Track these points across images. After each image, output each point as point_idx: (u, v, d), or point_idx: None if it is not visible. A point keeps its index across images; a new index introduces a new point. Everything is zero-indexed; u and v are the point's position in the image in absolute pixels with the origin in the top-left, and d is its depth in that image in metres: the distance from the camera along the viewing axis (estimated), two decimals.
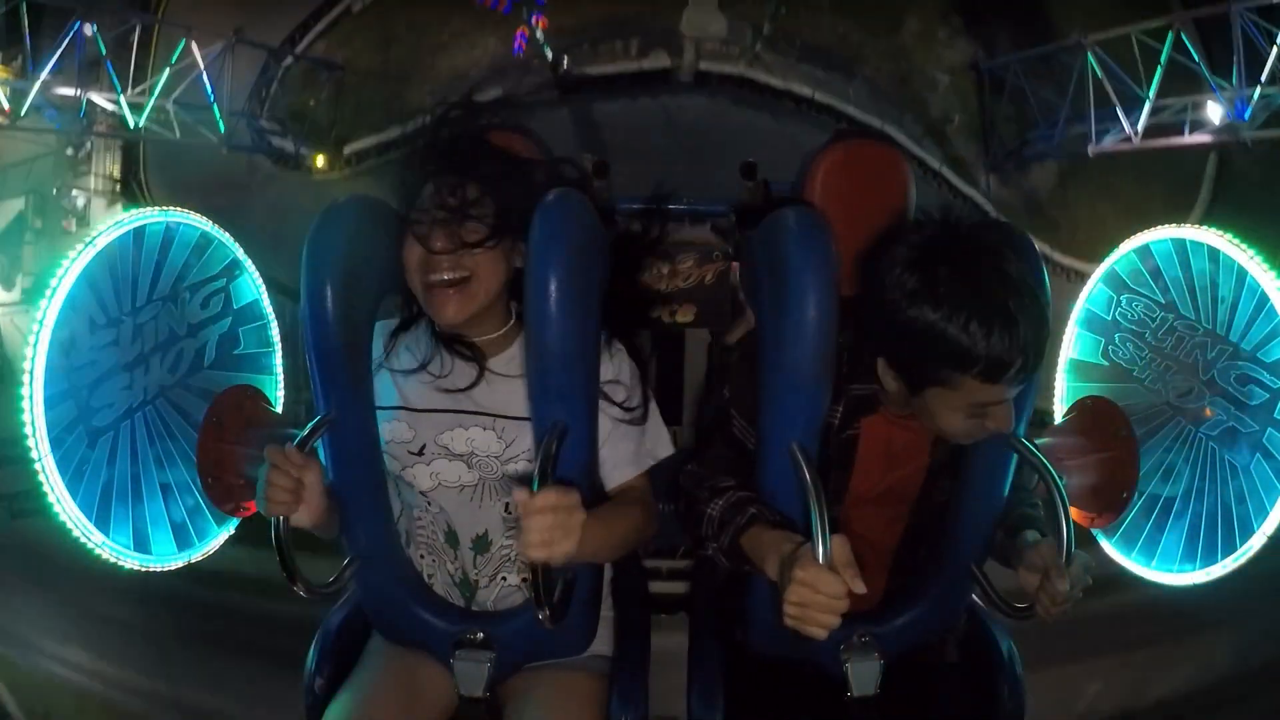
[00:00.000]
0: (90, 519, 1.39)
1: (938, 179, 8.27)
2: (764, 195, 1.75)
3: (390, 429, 1.37)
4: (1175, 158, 7.79)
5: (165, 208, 1.53)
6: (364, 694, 1.39)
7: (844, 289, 1.24)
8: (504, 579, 1.43)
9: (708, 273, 1.80)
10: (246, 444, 1.51)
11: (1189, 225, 1.55)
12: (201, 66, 7.37)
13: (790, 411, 1.25)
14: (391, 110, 8.28)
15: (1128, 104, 6.97)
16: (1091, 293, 1.71)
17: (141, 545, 1.47)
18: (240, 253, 1.68)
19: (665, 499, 1.47)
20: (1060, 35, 7.97)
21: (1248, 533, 1.44)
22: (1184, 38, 6.62)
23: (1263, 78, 6.07)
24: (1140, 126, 6.92)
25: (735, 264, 1.79)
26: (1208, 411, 1.50)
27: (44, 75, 6.52)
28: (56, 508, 1.36)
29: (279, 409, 1.69)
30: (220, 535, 1.60)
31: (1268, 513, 1.42)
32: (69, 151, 8.08)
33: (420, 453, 1.37)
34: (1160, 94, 6.80)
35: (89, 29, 6.65)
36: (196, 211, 1.59)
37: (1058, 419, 1.69)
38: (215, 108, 7.55)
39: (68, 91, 6.84)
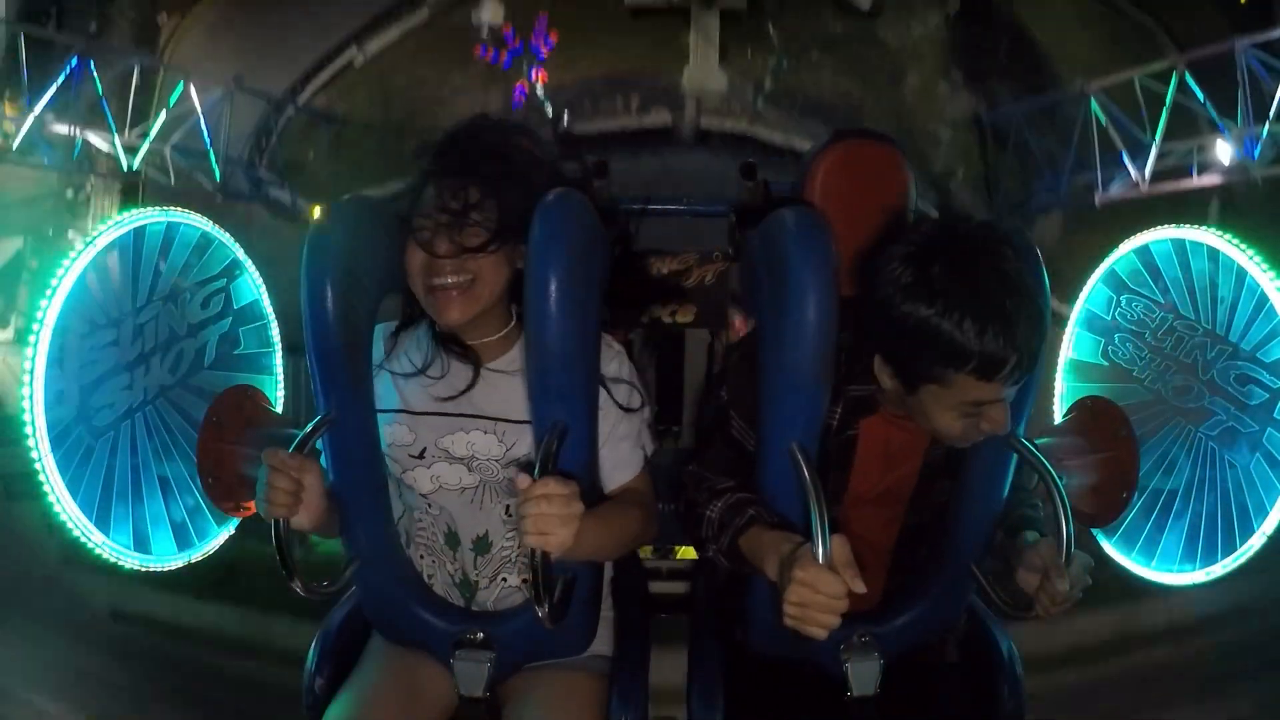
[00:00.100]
0: (90, 519, 1.39)
1: None
2: (764, 195, 1.75)
3: (391, 432, 1.37)
4: (1179, 202, 7.72)
5: (166, 207, 1.53)
6: (364, 694, 1.39)
7: (843, 290, 1.24)
8: (504, 580, 1.43)
9: (708, 273, 1.80)
10: (246, 444, 1.51)
11: (1188, 226, 1.56)
12: (199, 112, 7.31)
13: (790, 412, 1.24)
14: (391, 165, 8.20)
15: (1133, 150, 6.91)
16: (1091, 293, 1.72)
17: (141, 545, 1.47)
18: (240, 253, 1.68)
19: (665, 499, 1.47)
20: (1061, 86, 7.95)
21: (1248, 533, 1.44)
22: (1188, 79, 6.56)
23: (1271, 113, 5.99)
24: (1148, 172, 6.84)
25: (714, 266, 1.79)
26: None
27: (37, 109, 6.42)
28: (57, 507, 1.36)
29: (279, 409, 1.69)
30: (220, 535, 1.60)
31: (1268, 512, 1.42)
32: (68, 193, 7.99)
33: (420, 456, 1.37)
34: (1163, 138, 6.76)
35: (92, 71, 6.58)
36: None
37: (1058, 419, 1.69)
38: (211, 154, 7.49)
39: (63, 129, 6.76)
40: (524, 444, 1.35)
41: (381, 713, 1.35)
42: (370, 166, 8.38)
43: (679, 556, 1.99)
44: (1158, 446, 1.57)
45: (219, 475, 1.51)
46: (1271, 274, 1.40)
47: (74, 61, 6.52)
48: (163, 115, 7.21)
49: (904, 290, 1.16)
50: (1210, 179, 6.73)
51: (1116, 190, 7.25)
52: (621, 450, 1.36)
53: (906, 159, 1.53)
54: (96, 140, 7.02)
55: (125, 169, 7.12)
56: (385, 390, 1.38)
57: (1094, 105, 7.15)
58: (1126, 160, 6.97)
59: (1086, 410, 1.62)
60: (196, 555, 1.57)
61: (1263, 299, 1.42)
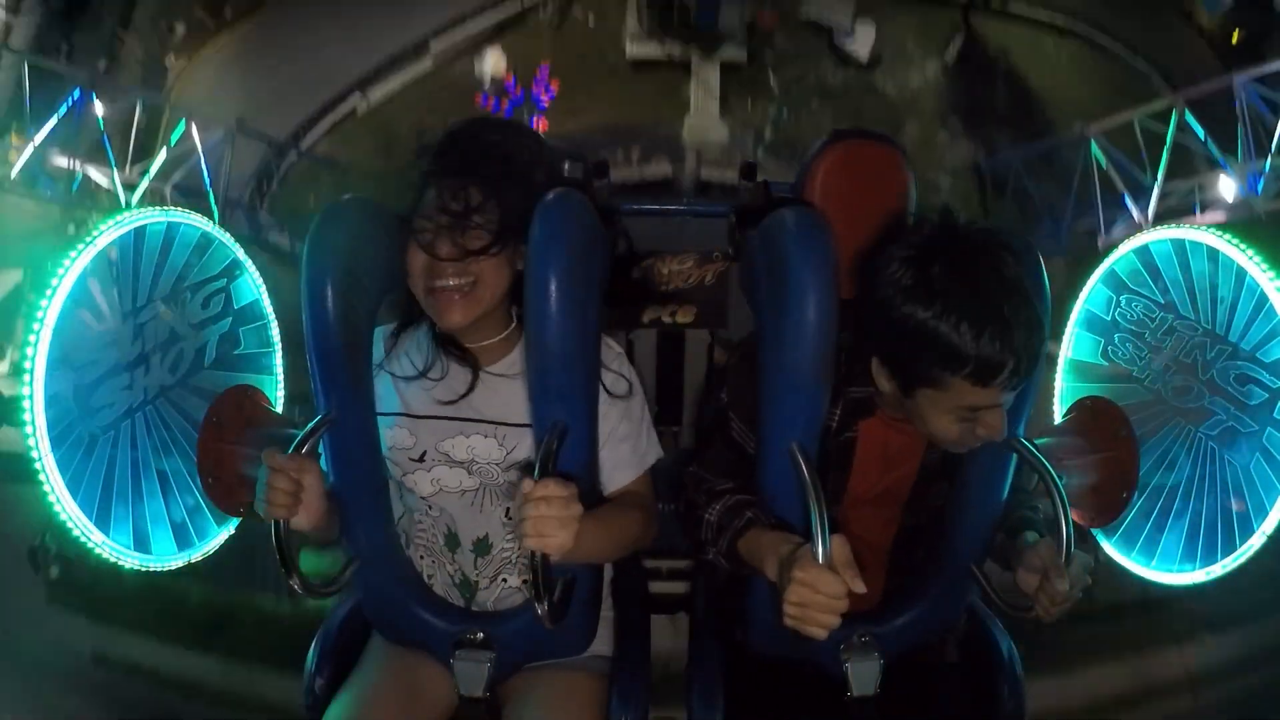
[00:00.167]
0: (90, 518, 1.39)
1: None
2: (764, 195, 1.75)
3: (391, 435, 1.37)
4: None
5: (166, 207, 1.53)
6: (364, 694, 1.39)
7: (843, 291, 1.23)
8: (504, 580, 1.43)
9: (708, 273, 1.80)
10: (246, 444, 1.51)
11: (1188, 226, 1.55)
12: (200, 151, 7.26)
13: (790, 412, 1.24)
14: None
15: (1134, 191, 6.87)
16: (1090, 293, 1.72)
17: (142, 545, 1.47)
18: (241, 253, 1.68)
19: (665, 499, 1.47)
20: (1058, 132, 7.94)
21: (1248, 532, 1.44)
22: (1188, 117, 6.50)
23: (1272, 147, 5.92)
24: (1150, 212, 6.77)
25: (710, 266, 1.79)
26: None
27: (36, 140, 6.34)
28: (56, 507, 1.36)
29: (279, 409, 1.69)
30: (220, 535, 1.60)
31: (1267, 512, 1.42)
32: (69, 228, 7.99)
33: (421, 459, 1.37)
34: (1165, 178, 6.70)
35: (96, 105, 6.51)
36: None
37: (1058, 419, 1.69)
38: (211, 195, 7.40)
39: (64, 163, 6.67)
40: (524, 447, 1.35)
41: (381, 713, 1.35)
42: None
43: (679, 556, 1.99)
44: (1158, 446, 1.57)
45: (219, 475, 1.51)
46: (1271, 274, 1.40)
47: (76, 94, 6.43)
48: (163, 153, 7.14)
49: (903, 291, 1.16)
50: (1214, 216, 6.62)
51: (1119, 233, 7.13)
52: (621, 452, 1.36)
53: (906, 159, 1.53)
54: (97, 175, 6.98)
55: (124, 205, 7.05)
56: (386, 392, 1.38)
57: (1094, 148, 7.08)
58: (1129, 202, 6.91)
59: (1086, 410, 1.62)
60: (196, 555, 1.57)
61: (1262, 299, 1.41)
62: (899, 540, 1.47)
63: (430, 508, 1.41)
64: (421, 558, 1.45)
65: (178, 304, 1.55)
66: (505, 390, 1.36)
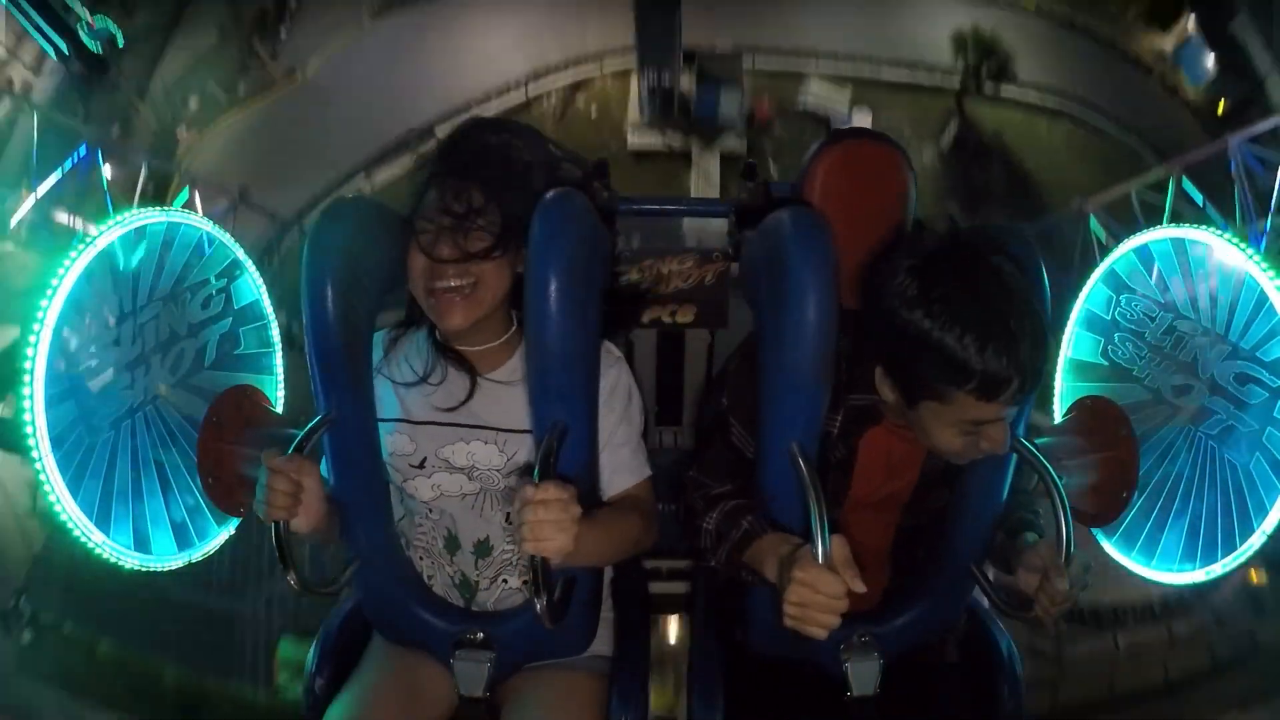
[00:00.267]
0: (91, 518, 1.39)
1: None
2: (764, 195, 1.74)
3: (391, 441, 1.37)
4: None
5: (166, 207, 1.53)
6: (364, 694, 1.39)
7: (844, 300, 1.23)
8: (505, 581, 1.43)
9: (708, 273, 1.80)
10: (246, 444, 1.51)
11: (1187, 226, 1.55)
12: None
13: (790, 412, 1.24)
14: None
15: None
16: (1091, 292, 1.71)
17: (142, 545, 1.47)
18: (240, 253, 1.68)
19: (666, 499, 1.47)
20: (1054, 210, 7.94)
21: (1247, 532, 1.44)
22: (1185, 184, 6.52)
23: (1272, 206, 5.96)
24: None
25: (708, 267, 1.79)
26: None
27: (40, 192, 6.29)
28: (57, 507, 1.36)
29: (279, 409, 1.69)
30: (220, 535, 1.60)
31: (1267, 512, 1.42)
32: None
33: (421, 465, 1.37)
34: None
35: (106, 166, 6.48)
36: None
37: (1058, 419, 1.69)
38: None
39: (65, 219, 6.66)
40: (524, 453, 1.35)
41: (381, 713, 1.35)
42: None
43: (679, 556, 1.99)
44: (1157, 446, 1.56)
45: (219, 475, 1.51)
46: (1271, 273, 1.40)
47: (82, 150, 6.39)
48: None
49: (909, 303, 1.15)
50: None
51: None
52: (621, 456, 1.36)
53: (906, 159, 1.53)
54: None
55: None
56: (386, 397, 1.37)
57: (1093, 222, 7.09)
58: None
59: (1086, 410, 1.62)
60: (196, 555, 1.57)
61: (1262, 298, 1.41)
62: (899, 541, 1.47)
63: (431, 511, 1.41)
64: (421, 559, 1.45)
65: (178, 304, 1.54)
66: (506, 397, 1.35)
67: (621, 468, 1.36)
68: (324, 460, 1.32)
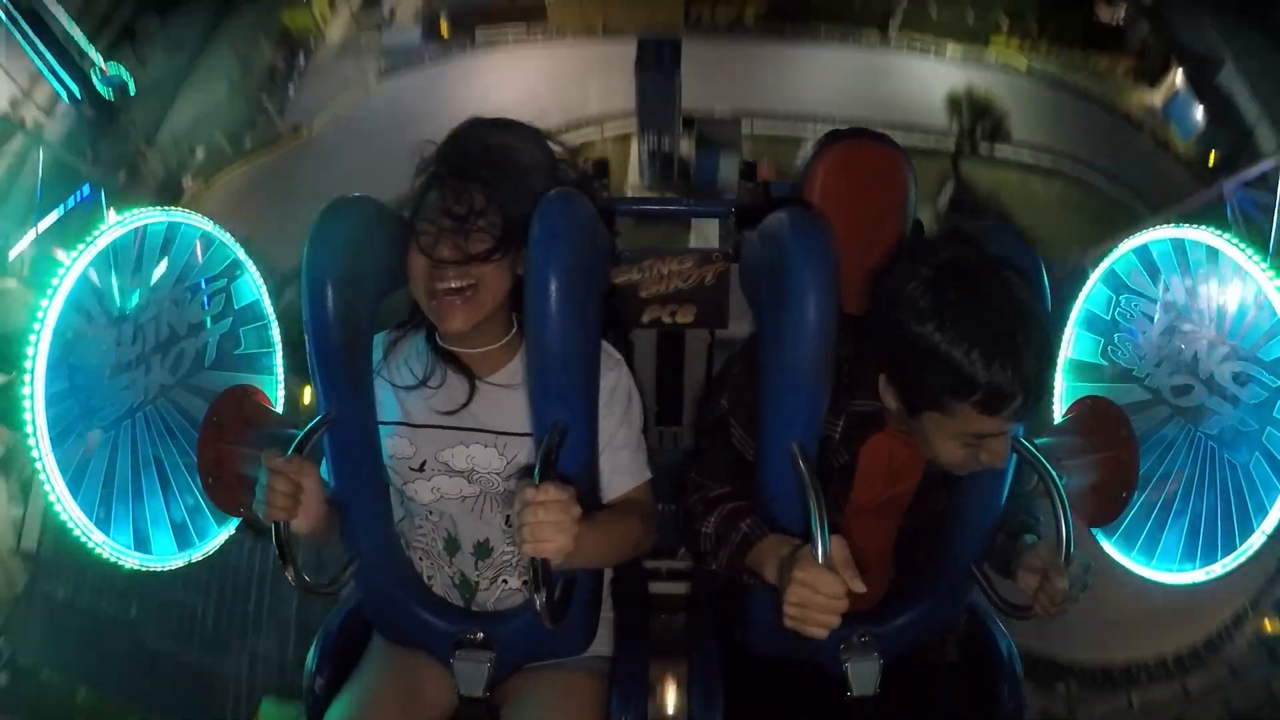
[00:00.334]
0: (91, 518, 1.39)
1: None
2: (764, 195, 1.74)
3: (391, 444, 1.37)
4: None
5: (166, 207, 1.53)
6: (364, 694, 1.39)
7: (846, 306, 1.23)
8: (505, 581, 1.43)
9: (708, 273, 1.80)
10: (246, 444, 1.51)
11: (1187, 226, 1.55)
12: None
13: (790, 412, 1.24)
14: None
15: None
16: (1090, 292, 1.71)
17: (142, 545, 1.47)
18: (241, 253, 1.68)
19: (666, 500, 1.47)
20: (1052, 266, 7.98)
21: (1248, 531, 1.44)
22: None
23: (1270, 250, 6.02)
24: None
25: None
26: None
27: (40, 227, 6.25)
28: (57, 507, 1.36)
29: (279, 409, 1.69)
30: (220, 535, 1.60)
31: (1267, 511, 1.42)
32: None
33: (421, 469, 1.37)
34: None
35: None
36: None
37: (1058, 419, 1.69)
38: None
39: (64, 256, 6.66)
40: (524, 456, 1.35)
41: (381, 713, 1.36)
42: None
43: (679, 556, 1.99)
44: (1157, 446, 1.56)
45: (219, 475, 1.51)
46: (1271, 273, 1.40)
47: (85, 190, 6.36)
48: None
49: (917, 313, 1.15)
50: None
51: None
52: (621, 458, 1.36)
53: (906, 159, 1.53)
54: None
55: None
56: (386, 400, 1.37)
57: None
58: None
59: (1086, 410, 1.62)
60: (197, 555, 1.57)
61: (1261, 298, 1.41)
62: (899, 542, 1.48)
63: (430, 513, 1.41)
64: (420, 559, 1.45)
65: (178, 304, 1.54)
66: (506, 400, 1.35)
67: (622, 470, 1.36)
68: (324, 460, 1.32)
